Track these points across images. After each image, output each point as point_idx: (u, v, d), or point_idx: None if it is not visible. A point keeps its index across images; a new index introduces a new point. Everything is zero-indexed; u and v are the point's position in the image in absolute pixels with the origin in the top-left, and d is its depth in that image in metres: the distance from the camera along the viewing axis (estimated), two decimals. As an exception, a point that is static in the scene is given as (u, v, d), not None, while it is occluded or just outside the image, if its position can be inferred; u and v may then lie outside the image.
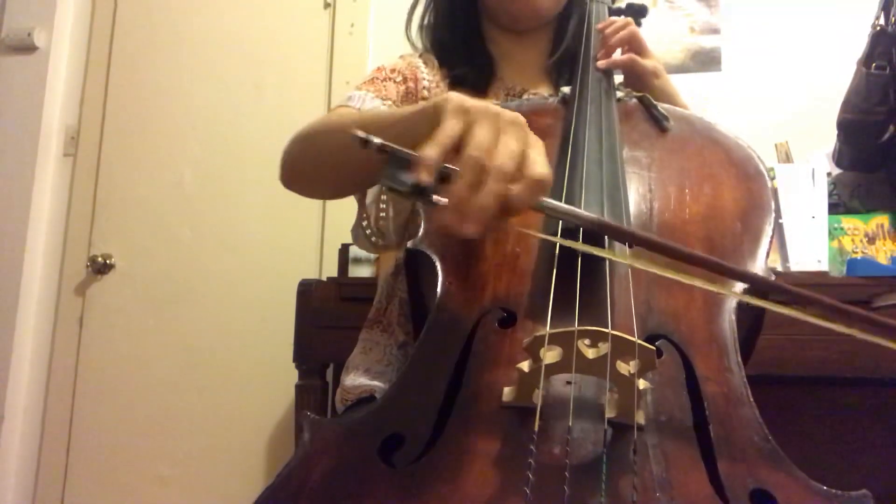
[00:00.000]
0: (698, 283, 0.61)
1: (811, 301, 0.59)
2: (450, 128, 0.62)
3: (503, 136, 0.63)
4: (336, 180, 1.00)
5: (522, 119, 0.66)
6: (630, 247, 0.73)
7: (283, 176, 1.02)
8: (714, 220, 0.79)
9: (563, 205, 0.65)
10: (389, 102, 1.08)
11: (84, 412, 2.31)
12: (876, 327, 0.56)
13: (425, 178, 0.59)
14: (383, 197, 1.08)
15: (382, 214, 1.08)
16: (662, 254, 0.64)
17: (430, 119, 0.67)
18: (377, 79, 1.12)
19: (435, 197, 0.61)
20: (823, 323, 0.58)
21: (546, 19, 1.16)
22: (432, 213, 0.62)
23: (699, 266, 0.62)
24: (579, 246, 0.62)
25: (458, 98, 0.66)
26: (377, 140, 0.61)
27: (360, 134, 0.61)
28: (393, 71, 1.14)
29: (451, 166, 0.61)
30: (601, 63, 1.04)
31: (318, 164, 0.97)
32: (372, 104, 1.06)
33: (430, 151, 0.60)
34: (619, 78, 1.08)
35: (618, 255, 0.67)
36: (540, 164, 0.63)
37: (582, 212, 0.65)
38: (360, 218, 1.09)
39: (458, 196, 0.60)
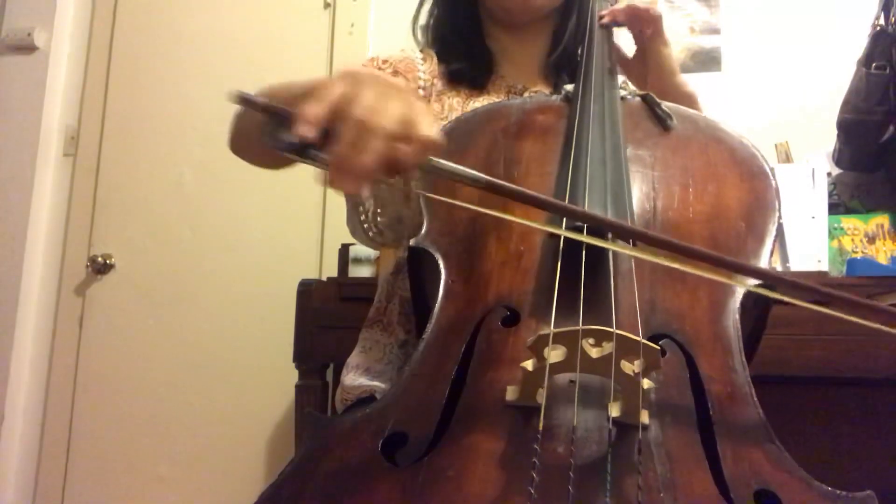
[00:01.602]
0: (699, 271, 0.61)
1: (807, 289, 0.59)
2: (335, 88, 0.62)
3: (390, 101, 0.62)
4: (255, 151, 0.98)
5: (410, 90, 0.66)
6: (634, 245, 0.73)
7: (229, 142, 1.01)
8: (718, 220, 0.79)
9: (450, 164, 0.64)
10: None
11: (84, 412, 2.31)
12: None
13: (304, 131, 0.59)
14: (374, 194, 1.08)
15: (378, 210, 1.08)
16: (638, 239, 0.65)
17: (313, 87, 0.66)
18: (364, 67, 1.12)
19: (315, 154, 0.60)
20: (823, 309, 0.58)
21: (541, 15, 1.16)
22: (319, 172, 0.62)
23: (669, 250, 0.62)
24: (584, 238, 0.62)
25: (351, 66, 0.66)
26: (258, 99, 0.61)
27: (239, 93, 0.61)
28: (385, 62, 1.14)
29: (334, 126, 0.61)
30: (605, 19, 1.07)
31: (242, 134, 0.97)
32: None
33: (310, 107, 0.60)
34: (621, 78, 1.08)
35: (621, 247, 0.67)
36: (427, 125, 0.63)
37: (467, 170, 0.64)
38: (353, 210, 1.08)
39: (337, 154, 0.59)
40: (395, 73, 1.12)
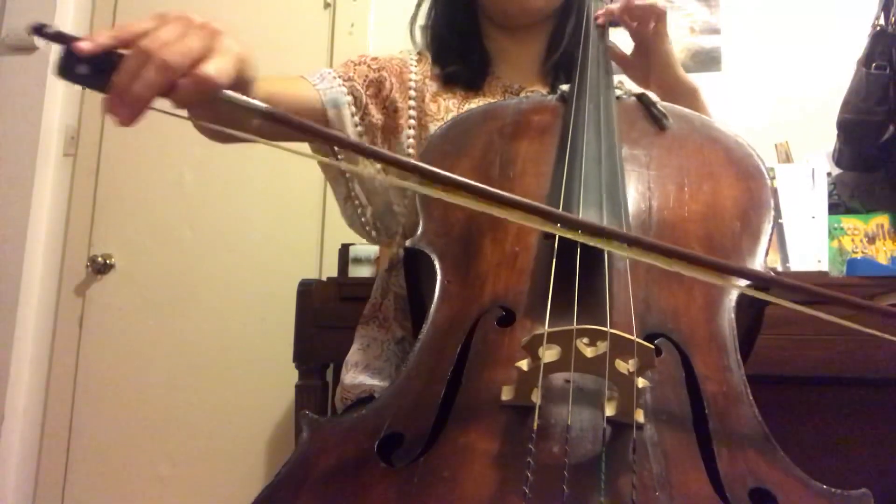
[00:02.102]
0: (693, 273, 0.61)
1: (796, 289, 0.59)
2: (137, 23, 0.62)
3: (186, 37, 0.62)
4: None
5: (223, 31, 0.65)
6: (629, 244, 0.73)
7: None
8: (713, 219, 0.79)
9: (238, 95, 0.64)
10: (350, 84, 1.09)
11: (84, 412, 2.31)
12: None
13: (81, 45, 0.59)
14: (348, 176, 1.09)
15: (363, 201, 1.09)
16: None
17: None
18: (352, 62, 1.13)
19: (101, 84, 0.60)
20: (818, 313, 0.58)
21: (539, 17, 1.16)
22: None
23: (662, 255, 0.62)
24: (578, 237, 0.62)
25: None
26: (50, 29, 0.60)
27: (33, 24, 0.60)
28: (374, 59, 1.15)
29: (123, 53, 0.61)
30: (601, 20, 1.08)
31: None
32: (330, 82, 1.08)
33: (101, 34, 0.60)
34: (617, 77, 1.08)
35: (615, 247, 0.67)
36: (214, 64, 0.62)
37: (254, 102, 0.64)
38: (346, 202, 1.09)
39: (114, 80, 0.60)
40: (380, 69, 1.13)
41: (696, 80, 1.12)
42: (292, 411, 1.81)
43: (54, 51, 2.41)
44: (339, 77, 1.09)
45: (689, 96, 1.09)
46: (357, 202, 1.06)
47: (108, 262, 2.37)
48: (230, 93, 0.63)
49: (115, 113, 0.61)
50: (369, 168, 1.03)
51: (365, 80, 1.10)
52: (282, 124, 0.63)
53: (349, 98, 1.08)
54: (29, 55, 2.44)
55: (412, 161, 0.61)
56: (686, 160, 0.86)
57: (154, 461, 2.23)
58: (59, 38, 0.60)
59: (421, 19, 1.22)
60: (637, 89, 0.98)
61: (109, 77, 0.60)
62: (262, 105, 0.63)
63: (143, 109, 0.61)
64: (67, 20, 2.49)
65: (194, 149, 2.37)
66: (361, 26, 2.35)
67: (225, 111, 0.67)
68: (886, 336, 0.58)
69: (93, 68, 0.60)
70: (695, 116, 0.94)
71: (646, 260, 0.62)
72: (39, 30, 0.60)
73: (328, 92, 1.07)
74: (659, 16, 1.07)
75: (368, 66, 1.13)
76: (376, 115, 1.10)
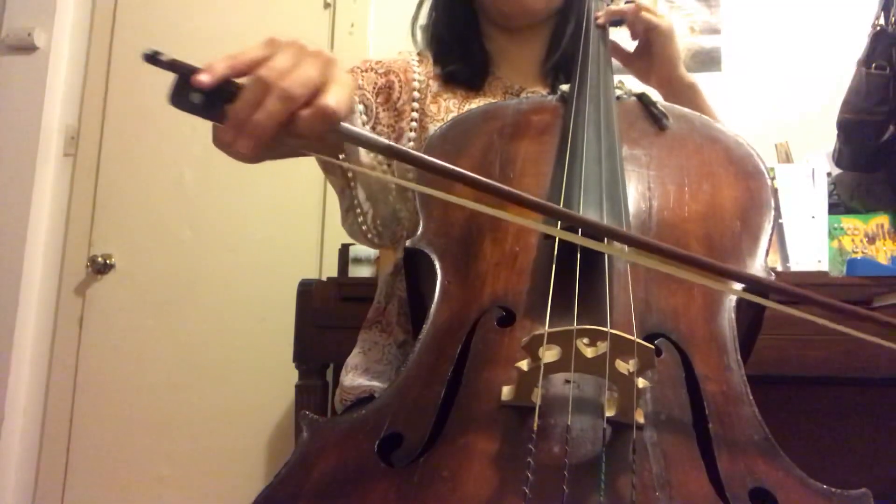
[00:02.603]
0: (694, 277, 0.61)
1: (809, 300, 0.59)
2: (250, 50, 0.62)
3: (302, 65, 0.62)
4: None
5: (336, 59, 0.66)
6: (629, 245, 0.73)
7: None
8: (713, 219, 0.79)
9: (358, 129, 0.64)
10: (360, 92, 1.09)
11: (84, 412, 2.31)
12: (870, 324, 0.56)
13: (201, 78, 0.59)
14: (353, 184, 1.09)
15: (368, 209, 1.08)
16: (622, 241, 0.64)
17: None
18: (358, 69, 1.13)
19: (218, 114, 0.61)
20: (820, 321, 0.58)
21: (539, 18, 1.15)
22: (216, 131, 0.62)
23: (662, 256, 0.62)
24: (578, 239, 0.62)
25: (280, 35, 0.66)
26: (165, 56, 0.60)
27: (148, 50, 0.60)
28: (378, 63, 1.15)
29: (238, 83, 0.61)
30: (601, 20, 1.07)
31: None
32: None
33: (220, 62, 0.60)
34: (617, 77, 1.08)
35: (616, 250, 0.67)
36: (334, 95, 0.63)
37: (376, 137, 0.64)
38: (348, 209, 1.09)
39: (235, 111, 0.60)
40: (387, 73, 1.13)
41: (697, 80, 1.12)
42: (292, 411, 1.81)
43: (57, 51, 2.40)
44: None
45: (689, 92, 1.09)
46: (359, 210, 1.07)
47: (108, 262, 2.37)
48: (348, 126, 0.63)
49: (234, 144, 0.60)
50: (377, 172, 1.03)
51: (374, 88, 1.11)
52: (402, 160, 0.63)
53: (360, 107, 1.09)
54: (29, 55, 2.44)
55: (533, 198, 0.60)
56: (686, 160, 0.86)
57: (154, 461, 2.23)
58: (173, 67, 0.60)
59: (422, 19, 1.22)
60: (637, 89, 0.98)
61: (222, 106, 0.60)
62: (383, 140, 0.63)
63: (265, 141, 0.60)
64: (67, 20, 2.49)
65: (194, 149, 2.37)
66: (361, 26, 2.35)
67: (330, 141, 0.66)
68: (887, 343, 0.58)
69: (207, 98, 0.60)
70: (695, 116, 0.94)
71: (644, 263, 0.63)
72: (153, 57, 0.60)
73: None
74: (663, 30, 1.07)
75: (375, 72, 1.13)
76: (385, 122, 1.10)
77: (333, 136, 0.64)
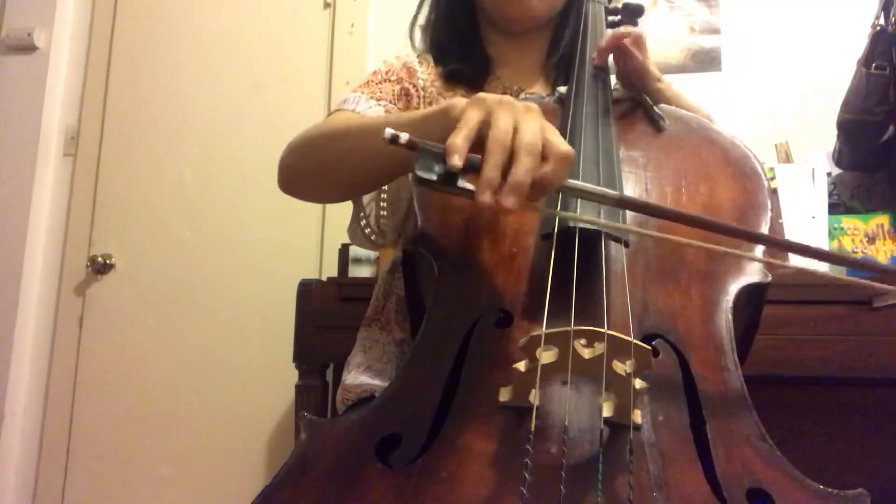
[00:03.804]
0: (700, 243, 0.63)
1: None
2: (471, 117, 0.66)
3: (523, 120, 0.65)
4: (344, 184, 1.01)
5: (536, 106, 0.69)
6: (626, 246, 0.73)
7: (284, 183, 1.03)
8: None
9: (587, 185, 0.68)
10: (384, 103, 1.09)
11: (84, 412, 2.31)
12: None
13: (457, 162, 0.63)
14: (383, 196, 1.08)
15: (384, 213, 1.08)
16: (691, 225, 0.69)
17: (442, 118, 0.71)
18: (373, 81, 1.13)
19: (463, 183, 0.65)
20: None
21: (540, 22, 1.16)
22: (435, 195, 0.68)
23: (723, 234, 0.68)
24: (577, 217, 0.64)
25: (473, 96, 0.69)
26: (406, 136, 0.65)
27: (390, 131, 0.65)
28: (388, 72, 1.15)
29: (476, 156, 0.65)
30: (597, 61, 1.03)
31: (324, 169, 0.98)
32: (367, 105, 1.07)
33: (457, 138, 0.64)
34: (614, 79, 1.08)
35: (612, 224, 0.69)
36: (560, 140, 0.66)
37: (605, 189, 0.68)
38: (356, 217, 1.09)
39: (489, 178, 0.63)
40: (400, 80, 1.13)
41: (696, 80, 1.11)
42: (292, 411, 1.81)
43: (57, 51, 2.40)
44: (372, 98, 1.09)
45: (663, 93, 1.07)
46: (362, 214, 1.07)
47: (108, 262, 2.37)
48: (576, 182, 0.67)
49: (499, 204, 0.63)
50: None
51: (394, 96, 1.11)
52: (634, 209, 0.70)
53: None
54: (29, 55, 2.44)
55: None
56: (683, 161, 0.86)
57: (154, 461, 2.23)
58: (416, 146, 0.65)
59: (421, 20, 1.23)
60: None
61: (454, 175, 0.64)
62: (612, 192, 0.67)
63: (525, 195, 0.64)
64: (67, 20, 2.49)
65: (194, 149, 2.37)
66: (361, 26, 2.35)
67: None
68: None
69: (445, 170, 0.64)
70: (692, 118, 0.94)
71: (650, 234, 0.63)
72: (396, 139, 0.65)
73: (368, 113, 1.06)
74: (630, 46, 1.02)
75: (389, 80, 1.13)
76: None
77: (565, 190, 0.68)
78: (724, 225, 0.67)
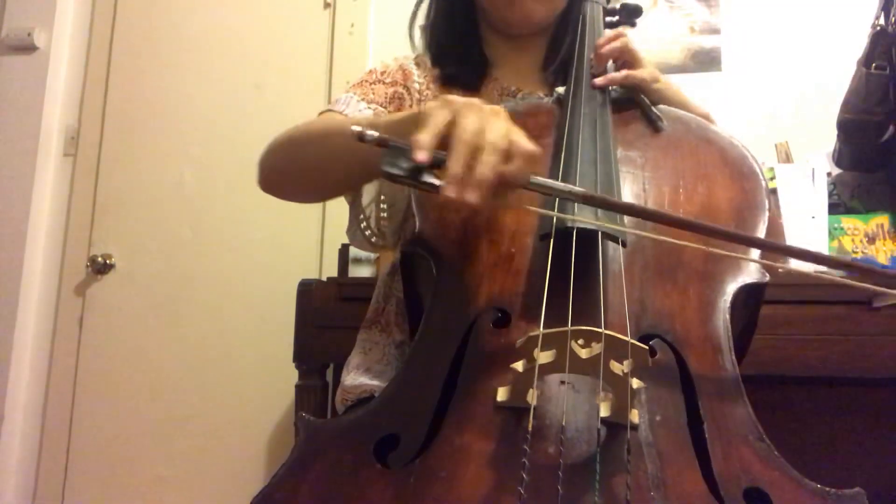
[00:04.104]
0: (694, 244, 0.64)
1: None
2: (438, 116, 0.68)
3: (488, 121, 0.68)
4: (322, 184, 1.03)
5: (503, 110, 0.72)
6: (624, 246, 0.73)
7: (263, 181, 1.05)
8: (708, 220, 0.79)
9: (552, 181, 0.70)
10: (375, 106, 1.09)
11: (84, 412, 2.31)
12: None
13: (422, 157, 0.65)
14: (382, 197, 1.09)
15: (384, 215, 1.08)
16: (657, 222, 0.71)
17: (413, 120, 0.73)
18: (366, 81, 1.14)
19: (431, 179, 0.67)
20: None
21: (540, 26, 1.16)
22: (433, 195, 0.67)
23: (688, 230, 0.69)
24: (576, 217, 0.64)
25: (442, 97, 0.72)
26: (374, 133, 0.67)
27: (357, 128, 0.67)
28: (384, 73, 1.15)
29: (443, 152, 0.66)
30: (598, 81, 1.01)
31: (300, 169, 1.01)
32: (357, 107, 1.08)
33: (424, 135, 0.66)
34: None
35: (609, 224, 0.69)
36: (525, 140, 0.69)
37: (570, 186, 0.69)
38: (354, 219, 1.09)
39: (453, 172, 0.64)
40: (394, 83, 1.13)
41: (696, 80, 1.11)
42: (292, 411, 1.81)
43: (57, 51, 2.40)
44: (363, 100, 1.10)
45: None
46: (362, 216, 1.07)
47: (108, 262, 2.37)
48: (540, 178, 0.69)
49: (462, 200, 0.64)
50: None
51: (386, 98, 1.11)
52: (601, 206, 0.71)
53: None
54: (29, 55, 2.44)
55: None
56: (681, 161, 0.86)
57: (154, 461, 2.24)
58: (384, 143, 0.67)
59: (420, 20, 1.22)
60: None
61: (420, 171, 0.67)
62: (578, 189, 0.69)
63: (490, 191, 0.65)
64: (67, 20, 2.49)
65: (194, 149, 2.37)
66: (361, 26, 2.35)
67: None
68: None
69: (412, 165, 0.66)
70: (690, 118, 0.94)
71: (643, 234, 0.63)
72: (363, 136, 0.67)
73: (356, 116, 1.07)
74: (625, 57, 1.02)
75: (383, 82, 1.13)
76: None
77: (530, 187, 0.69)
78: (694, 223, 0.69)
